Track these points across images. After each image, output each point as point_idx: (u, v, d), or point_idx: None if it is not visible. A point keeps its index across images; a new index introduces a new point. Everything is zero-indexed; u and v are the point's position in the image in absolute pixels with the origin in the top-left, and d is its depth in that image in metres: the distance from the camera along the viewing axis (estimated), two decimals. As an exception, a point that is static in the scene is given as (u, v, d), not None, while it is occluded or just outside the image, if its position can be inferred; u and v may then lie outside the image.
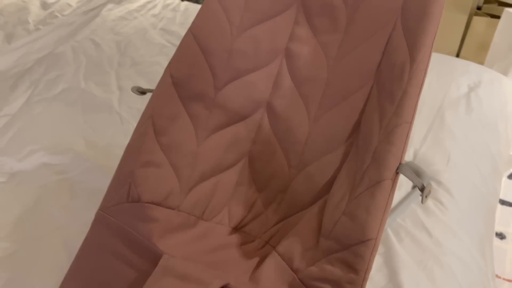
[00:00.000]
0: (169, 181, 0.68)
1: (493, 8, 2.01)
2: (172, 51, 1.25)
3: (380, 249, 0.81)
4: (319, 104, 0.72)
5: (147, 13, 1.64)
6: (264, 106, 0.77)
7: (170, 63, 0.70)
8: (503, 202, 1.70)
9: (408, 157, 1.00)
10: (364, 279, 0.51)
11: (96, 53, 1.41)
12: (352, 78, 0.68)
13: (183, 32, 1.43)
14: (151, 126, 0.67)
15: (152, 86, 0.74)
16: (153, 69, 1.33)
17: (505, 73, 1.82)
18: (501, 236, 1.55)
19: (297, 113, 0.74)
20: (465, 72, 1.26)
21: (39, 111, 1.19)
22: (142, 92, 0.72)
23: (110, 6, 1.66)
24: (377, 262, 0.79)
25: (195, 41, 0.70)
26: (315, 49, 0.73)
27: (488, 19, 1.96)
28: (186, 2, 1.72)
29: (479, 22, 1.98)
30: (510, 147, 1.20)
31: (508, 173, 1.80)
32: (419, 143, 1.03)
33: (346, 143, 0.67)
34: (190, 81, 0.70)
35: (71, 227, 0.88)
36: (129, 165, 0.66)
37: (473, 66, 1.30)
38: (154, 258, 0.60)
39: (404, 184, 0.94)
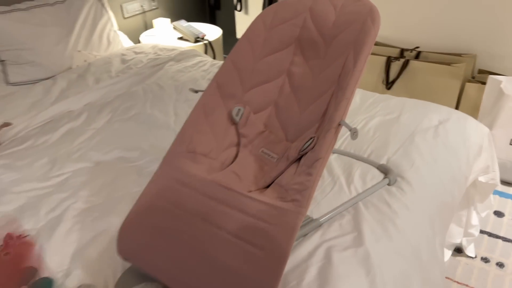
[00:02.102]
0: (211, 142, 1.06)
1: (485, 77, 2.35)
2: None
3: (350, 210, 1.14)
4: (306, 101, 1.11)
5: (199, 68, 2.14)
6: (273, 103, 1.17)
7: (216, 75, 1.11)
8: (505, 239, 1.91)
9: (382, 161, 1.34)
10: (315, 180, 0.85)
11: (160, 92, 1.88)
12: (325, 84, 1.07)
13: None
14: (203, 111, 1.07)
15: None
16: (201, 104, 1.77)
17: (490, 125, 2.13)
18: (500, 265, 1.78)
19: (293, 107, 1.13)
20: (438, 111, 1.60)
21: (116, 127, 1.63)
22: (195, 91, 1.14)
23: (171, 63, 2.18)
24: (347, 218, 1.11)
25: (231, 63, 1.12)
26: (306, 69, 1.13)
27: (479, 85, 2.28)
28: (229, 63, 2.21)
29: (472, 87, 2.31)
30: (471, 169, 1.49)
31: (492, 210, 2.04)
32: (392, 153, 1.37)
33: (319, 121, 1.05)
34: (227, 85, 1.11)
35: (138, 193, 1.27)
36: (189, 131, 1.03)
37: (445, 108, 1.64)
38: (204, 183, 0.95)
39: (376, 177, 1.27)
